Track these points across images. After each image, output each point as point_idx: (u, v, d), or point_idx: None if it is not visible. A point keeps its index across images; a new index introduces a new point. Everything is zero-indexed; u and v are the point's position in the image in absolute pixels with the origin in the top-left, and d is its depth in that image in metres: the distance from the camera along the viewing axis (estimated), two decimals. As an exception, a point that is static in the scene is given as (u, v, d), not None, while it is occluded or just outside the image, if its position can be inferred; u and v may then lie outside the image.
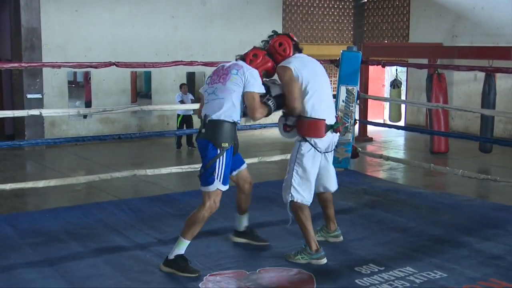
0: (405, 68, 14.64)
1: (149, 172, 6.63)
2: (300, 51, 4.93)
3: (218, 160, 4.47)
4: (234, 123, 4.58)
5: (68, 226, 5.65)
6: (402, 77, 15.04)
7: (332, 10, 16.98)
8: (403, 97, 14.95)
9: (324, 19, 16.79)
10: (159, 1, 13.79)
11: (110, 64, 6.08)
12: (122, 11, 13.30)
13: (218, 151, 4.47)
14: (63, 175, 8.36)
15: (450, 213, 6.35)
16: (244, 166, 5.06)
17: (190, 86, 15.17)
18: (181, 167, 6.80)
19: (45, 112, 7.09)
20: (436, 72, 11.03)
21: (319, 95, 4.69)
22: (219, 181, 4.52)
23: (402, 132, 13.51)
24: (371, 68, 12.97)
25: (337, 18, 17.09)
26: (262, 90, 4.63)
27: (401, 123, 14.15)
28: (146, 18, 13.59)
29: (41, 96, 12.08)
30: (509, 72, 7.96)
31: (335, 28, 17.06)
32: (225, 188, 4.58)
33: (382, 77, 16.16)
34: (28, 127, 11.91)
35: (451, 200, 6.99)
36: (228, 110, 4.50)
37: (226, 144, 4.49)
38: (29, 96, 11.88)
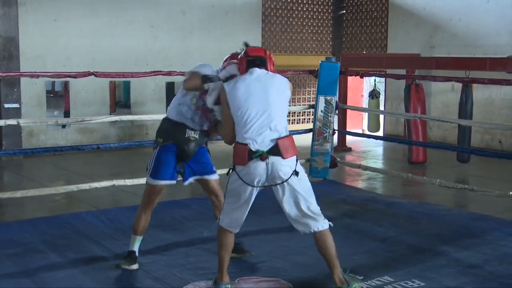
0: (384, 78, 14.75)
1: (128, 182, 6.62)
2: (257, 65, 4.35)
3: (152, 155, 4.73)
4: (177, 123, 4.69)
5: (47, 236, 5.62)
6: (381, 88, 15.12)
7: (311, 21, 17.04)
8: (381, 108, 15.04)
9: (303, 30, 16.85)
10: (138, 11, 13.76)
11: (89, 73, 6.07)
12: (102, 21, 13.24)
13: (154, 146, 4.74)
14: (41, 185, 8.27)
15: (429, 222, 6.42)
16: (211, 177, 4.97)
17: (169, 95, 15.12)
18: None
19: (22, 121, 7.08)
20: (414, 82, 11.12)
21: (248, 117, 4.09)
22: (148, 175, 4.71)
23: (380, 142, 13.58)
24: (349, 78, 13.02)
25: (316, 29, 17.16)
26: (204, 72, 4.63)
27: (380, 133, 14.21)
28: (125, 28, 13.54)
29: (18, 106, 11.95)
30: (486, 83, 8.08)
31: (314, 38, 17.11)
32: (154, 182, 4.71)
33: (361, 87, 16.23)
34: (5, 137, 11.77)
35: (429, 210, 7.06)
36: (170, 109, 4.82)
37: (160, 140, 4.69)
38: (6, 105, 11.74)
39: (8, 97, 11.87)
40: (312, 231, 4.23)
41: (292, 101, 16.39)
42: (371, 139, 11.97)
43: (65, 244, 5.38)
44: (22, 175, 10.27)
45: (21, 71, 10.86)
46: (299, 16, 16.77)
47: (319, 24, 17.26)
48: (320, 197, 7.22)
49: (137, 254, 4.84)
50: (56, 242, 5.44)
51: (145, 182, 4.96)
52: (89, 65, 11.02)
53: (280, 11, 16.34)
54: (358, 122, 15.52)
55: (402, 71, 11.94)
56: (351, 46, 17.06)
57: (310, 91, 15.85)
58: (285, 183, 4.13)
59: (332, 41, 17.49)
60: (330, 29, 17.47)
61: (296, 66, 14.11)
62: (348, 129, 12.62)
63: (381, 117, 14.39)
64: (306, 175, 4.31)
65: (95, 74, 6.12)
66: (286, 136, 4.10)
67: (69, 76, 6.62)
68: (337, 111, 7.95)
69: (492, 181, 9.08)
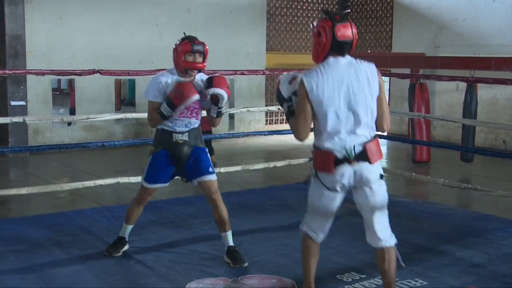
0: (388, 77, 14.72)
1: (133, 179, 6.63)
2: (341, 52, 3.77)
3: (148, 161, 4.90)
4: (163, 130, 4.79)
5: (51, 233, 5.64)
6: (385, 87, 15.11)
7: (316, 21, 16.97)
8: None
9: (308, 29, 16.75)
10: (143, 9, 13.73)
11: (94, 71, 6.09)
12: (107, 19, 13.23)
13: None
14: (47, 182, 8.30)
15: (432, 221, 6.42)
16: (205, 178, 4.79)
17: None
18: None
19: (28, 119, 7.09)
20: (419, 82, 11.11)
21: (332, 116, 3.65)
22: (142, 178, 4.90)
23: (384, 141, 13.54)
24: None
25: (321, 27, 17.07)
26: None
27: (384, 132, 14.19)
28: (130, 26, 13.51)
29: (25, 103, 11.99)
30: (490, 83, 8.06)
31: (319, 37, 17.03)
32: (146, 185, 4.86)
33: (366, 86, 16.22)
34: (11, 134, 11.80)
35: (433, 209, 7.06)
36: None
37: (153, 148, 4.91)
38: (12, 103, 11.78)
39: (14, 95, 11.90)
40: (380, 245, 3.97)
41: (297, 100, 16.34)
42: (375, 138, 11.93)
43: (69, 241, 5.40)
44: (28, 172, 10.30)
45: (27, 69, 10.89)
46: (304, 15, 16.72)
47: (324, 23, 17.14)
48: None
49: (127, 239, 5.12)
50: (61, 239, 5.47)
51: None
52: (94, 63, 11.04)
53: (285, 10, 16.29)
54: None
55: (407, 70, 11.92)
56: (356, 45, 16.98)
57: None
58: (368, 187, 3.76)
59: (336, 40, 17.37)
60: (335, 28, 17.36)
61: (301, 65, 14.01)
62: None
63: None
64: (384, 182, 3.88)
65: (100, 72, 6.13)
66: (373, 139, 3.73)
67: (74, 74, 6.64)
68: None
69: (495, 181, 9.06)
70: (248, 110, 8.00)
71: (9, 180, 9.71)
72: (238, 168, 8.08)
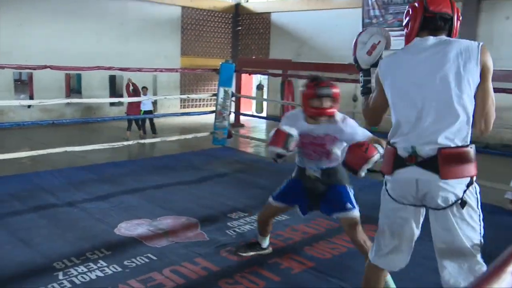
0: (266, 76, 14.88)
1: (77, 148, 6.30)
2: (434, 29, 2.08)
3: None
4: (297, 165, 3.41)
5: (12, 190, 5.26)
6: (264, 83, 15.27)
7: (217, 34, 16.92)
8: (265, 96, 15.19)
9: (211, 40, 16.73)
10: (87, 20, 13.19)
11: (45, 67, 5.69)
12: (57, 28, 12.63)
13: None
14: (11, 151, 7.76)
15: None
16: (339, 215, 3.16)
17: (112, 85, 14.65)
18: (103, 145, 6.51)
19: (-6, 102, 6.55)
20: (287, 79, 11.30)
21: (405, 111, 2.09)
22: (272, 194, 3.53)
23: (264, 120, 13.74)
24: (243, 75, 13.05)
25: (220, 39, 17.04)
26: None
27: (264, 114, 14.38)
28: (77, 33, 12.99)
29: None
30: (333, 80, 8.27)
31: (219, 46, 17.01)
32: (270, 200, 3.50)
33: (251, 82, 16.32)
34: (-19, 115, 11.04)
35: (293, 165, 7.22)
36: None
37: (293, 174, 3.48)
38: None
39: (-17, 84, 11.09)
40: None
41: (200, 91, 16.27)
42: (258, 119, 12.07)
43: (26, 196, 5.07)
44: (-5, 144, 9.60)
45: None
46: (208, 30, 16.66)
47: (222, 36, 17.18)
48: (219, 158, 7.25)
49: (262, 247, 3.69)
50: (19, 194, 5.11)
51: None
52: (47, 61, 10.44)
53: (194, 26, 16.16)
54: (249, 107, 15.61)
55: (279, 71, 12.08)
56: (245, 52, 17.05)
57: (214, 84, 15.76)
58: (439, 211, 2.05)
59: (231, 48, 17.45)
60: (230, 40, 17.43)
61: (205, 65, 14.04)
62: (241, 111, 12.65)
63: (265, 103, 14.53)
64: (479, 212, 2.06)
65: (51, 67, 5.74)
66: (458, 148, 1.98)
67: (29, 69, 6.19)
68: (233, 98, 7.94)
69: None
70: (165, 98, 7.80)
71: (-20, 150, 8.99)
72: (158, 139, 7.93)
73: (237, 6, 17.09)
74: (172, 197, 5.19)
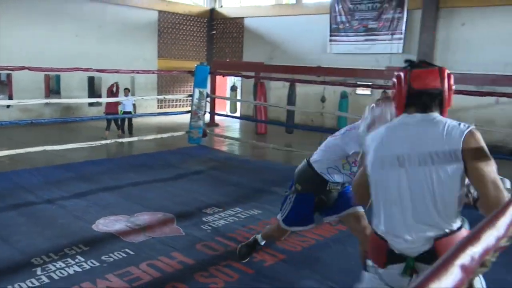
0: (240, 78, 14.83)
1: (56, 147, 6.15)
2: (421, 106, 1.72)
3: (288, 198, 3.09)
4: (317, 173, 2.89)
5: (-9, 187, 5.11)
6: (238, 84, 15.21)
7: (192, 37, 16.79)
8: (238, 97, 15.14)
9: (187, 43, 16.57)
10: (67, 24, 12.88)
11: (23, 68, 5.52)
12: (38, 30, 12.29)
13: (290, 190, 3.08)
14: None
15: (267, 172, 6.55)
16: (349, 211, 2.93)
17: (91, 86, 14.38)
18: (81, 144, 6.37)
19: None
20: (260, 81, 11.28)
21: (389, 194, 1.72)
22: (281, 219, 3.11)
23: (238, 120, 13.68)
24: (217, 77, 12.96)
25: (196, 42, 16.91)
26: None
27: (237, 114, 14.32)
28: (56, 36, 12.66)
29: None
30: (303, 82, 8.34)
31: (194, 49, 16.88)
32: (286, 227, 3.10)
33: (225, 83, 16.23)
34: (-39, 115, 10.62)
35: (268, 164, 7.22)
36: (317, 158, 2.98)
37: (299, 187, 2.99)
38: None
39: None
40: None
41: (176, 92, 16.12)
42: (231, 118, 12.02)
43: (5, 194, 4.91)
44: (-25, 143, 9.26)
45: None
46: (184, 33, 16.50)
47: (198, 40, 17.06)
48: (195, 157, 7.18)
49: (261, 244, 3.39)
50: (-1, 192, 4.96)
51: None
52: (27, 62, 10.14)
53: (170, 29, 15.99)
54: (223, 107, 15.52)
55: (252, 73, 12.05)
56: (219, 55, 16.96)
57: (190, 85, 15.62)
58: None
59: (206, 51, 17.34)
60: (205, 43, 17.32)
61: (181, 67, 13.95)
62: (216, 111, 12.56)
63: (238, 103, 14.48)
64: None
65: (29, 68, 5.58)
66: (452, 233, 1.64)
67: (7, 69, 5.99)
68: (208, 99, 7.88)
69: (307, 146, 9.43)
70: (142, 98, 7.67)
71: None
72: (136, 139, 7.80)
73: (212, 11, 17.00)
74: (149, 194, 5.12)
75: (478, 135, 1.60)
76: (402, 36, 11.97)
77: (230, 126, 13.30)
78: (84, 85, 13.65)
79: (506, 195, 1.53)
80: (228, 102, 15.06)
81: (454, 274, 0.71)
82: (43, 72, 10.34)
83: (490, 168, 1.57)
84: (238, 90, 15.12)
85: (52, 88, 16.83)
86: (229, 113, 13.91)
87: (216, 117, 13.18)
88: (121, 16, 14.32)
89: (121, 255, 3.42)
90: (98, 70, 6.58)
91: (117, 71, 6.72)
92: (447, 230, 1.64)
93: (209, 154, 7.55)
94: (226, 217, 4.40)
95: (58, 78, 14.46)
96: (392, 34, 12.11)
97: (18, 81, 12.09)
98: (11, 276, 3.05)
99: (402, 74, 1.75)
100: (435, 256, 1.58)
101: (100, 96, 13.63)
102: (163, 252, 3.50)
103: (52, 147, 6.00)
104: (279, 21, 14.72)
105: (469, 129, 1.60)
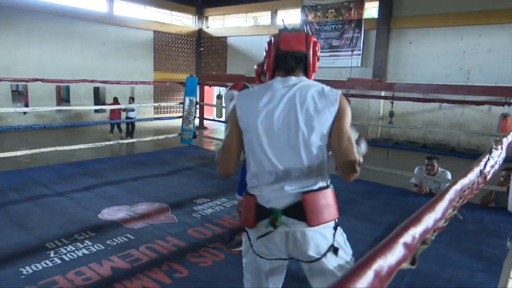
0: (225, 87, 14.82)
1: (67, 148, 6.05)
2: (287, 69, 1.53)
3: None
4: None
5: (10, 183, 5.00)
6: (223, 93, 15.21)
7: (183, 53, 16.73)
8: (223, 104, 15.12)
9: (178, 58, 16.53)
10: (73, 42, 12.73)
11: (36, 79, 5.42)
12: (49, 47, 12.14)
13: None
14: (9, 150, 7.36)
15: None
16: None
17: (96, 95, 14.19)
18: (88, 145, 6.28)
19: (-8, 110, 6.17)
20: (241, 90, 11.30)
21: (260, 151, 1.50)
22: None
23: (223, 124, 13.67)
24: (205, 87, 12.94)
25: (186, 58, 16.85)
26: None
27: (223, 119, 14.29)
28: (65, 52, 12.52)
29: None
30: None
31: (185, 64, 16.82)
32: None
33: (212, 92, 16.20)
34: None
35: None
36: None
37: None
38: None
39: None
40: None
41: (170, 100, 16.02)
42: (218, 122, 12.02)
43: (22, 188, 4.82)
44: (-6, 145, 9.06)
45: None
46: (176, 50, 16.46)
47: (188, 55, 17.02)
48: (186, 155, 7.15)
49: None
50: (16, 186, 4.86)
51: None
52: (41, 75, 10.10)
53: (164, 47, 15.93)
54: (210, 112, 15.50)
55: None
56: (206, 68, 16.92)
57: (181, 94, 15.59)
58: (313, 263, 1.49)
59: (195, 65, 17.30)
60: (194, 58, 17.28)
61: (173, 79, 13.92)
62: (204, 116, 12.54)
63: (223, 109, 14.46)
64: (348, 248, 1.54)
65: (42, 80, 5.47)
66: (318, 190, 1.47)
67: (23, 81, 5.87)
68: (197, 106, 7.85)
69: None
70: (141, 106, 7.60)
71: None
72: (135, 140, 7.73)
73: (200, 31, 16.96)
74: (147, 187, 5.08)
75: (344, 97, 1.49)
76: (360, 52, 12.16)
77: (217, 129, 13.29)
78: (90, 95, 13.51)
79: (356, 151, 1.45)
80: (214, 109, 15.03)
81: (398, 250, 0.72)
82: (54, 83, 10.24)
83: (348, 126, 1.46)
84: (223, 98, 15.13)
85: (63, 97, 16.61)
86: (215, 118, 13.90)
87: (205, 121, 13.16)
88: (122, 35, 14.20)
89: (123, 239, 3.40)
90: (102, 82, 6.51)
91: (118, 82, 6.65)
92: (314, 187, 1.45)
93: (198, 153, 7.52)
94: (214, 206, 4.40)
95: (67, 88, 14.28)
96: (352, 51, 12.28)
97: (33, 91, 11.92)
98: (28, 258, 3.01)
99: (272, 38, 1.56)
100: (302, 210, 1.43)
101: (104, 104, 13.50)
102: (160, 237, 3.48)
103: (63, 147, 5.90)
104: (257, 40, 14.78)
105: (339, 91, 1.49)
